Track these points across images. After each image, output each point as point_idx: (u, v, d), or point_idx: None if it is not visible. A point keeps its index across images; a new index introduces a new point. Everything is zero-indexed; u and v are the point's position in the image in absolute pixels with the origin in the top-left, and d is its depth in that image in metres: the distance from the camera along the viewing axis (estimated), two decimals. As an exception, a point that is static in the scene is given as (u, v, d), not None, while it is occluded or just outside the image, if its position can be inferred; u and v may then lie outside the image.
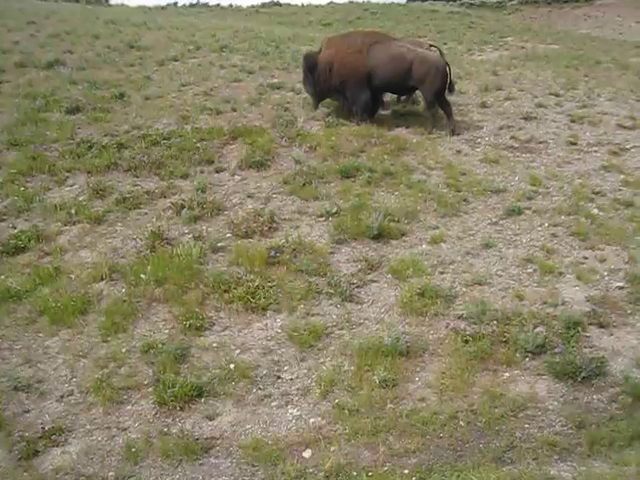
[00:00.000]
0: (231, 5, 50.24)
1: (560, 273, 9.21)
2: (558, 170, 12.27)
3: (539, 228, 10.33)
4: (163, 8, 45.11)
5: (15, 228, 10.18)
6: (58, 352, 7.86)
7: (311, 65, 14.17)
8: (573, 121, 14.79)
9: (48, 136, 13.21)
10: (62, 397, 7.26)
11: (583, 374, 7.28)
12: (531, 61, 23.26)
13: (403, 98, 15.72)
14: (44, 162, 12.04)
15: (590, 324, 8.16)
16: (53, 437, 6.73)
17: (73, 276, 9.08)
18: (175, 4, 49.65)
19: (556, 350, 7.64)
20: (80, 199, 10.92)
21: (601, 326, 8.16)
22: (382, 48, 13.76)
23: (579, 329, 7.96)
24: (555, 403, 7.09)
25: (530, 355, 7.64)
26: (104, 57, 19.09)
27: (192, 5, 49.75)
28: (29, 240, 9.78)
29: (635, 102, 16.54)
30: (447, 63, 13.69)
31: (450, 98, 13.94)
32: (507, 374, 7.45)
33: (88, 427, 6.90)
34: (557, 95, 16.75)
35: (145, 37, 22.49)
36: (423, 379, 7.39)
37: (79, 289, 8.77)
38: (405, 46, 13.95)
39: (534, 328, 7.87)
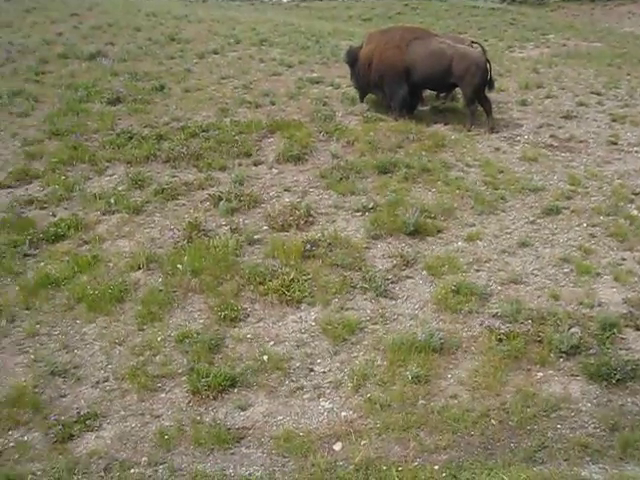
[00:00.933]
0: (271, -1, 50.32)
1: (597, 274, 9.12)
2: (598, 170, 12.12)
3: (577, 228, 10.23)
4: (204, 1, 45.27)
5: (55, 216, 10.35)
6: (95, 339, 7.99)
7: (352, 60, 14.21)
8: (614, 120, 14.60)
9: (89, 126, 13.41)
10: (98, 383, 7.38)
11: (618, 376, 7.20)
12: (573, 59, 23.02)
13: (442, 95, 15.63)
14: (85, 152, 12.21)
15: (626, 326, 8.07)
16: (88, 422, 6.85)
17: (111, 265, 9.21)
18: (216, -3, 49.80)
19: (591, 351, 7.58)
20: (119, 189, 11.05)
21: (637, 328, 8.06)
22: (422, 44, 13.67)
23: (615, 331, 7.88)
24: (588, 405, 7.02)
25: (564, 355, 7.58)
26: (145, 49, 19.26)
27: (233, -2, 49.87)
28: (68, 228, 9.94)
29: (679, 102, 16.26)
30: (488, 60, 13.59)
31: (490, 95, 13.82)
32: (540, 374, 7.40)
33: (122, 413, 7.01)
34: (598, 94, 16.55)
35: (186, 30, 22.62)
36: (456, 376, 7.37)
37: (116, 278, 8.90)
38: (445, 42, 13.84)
39: (569, 328, 7.80)
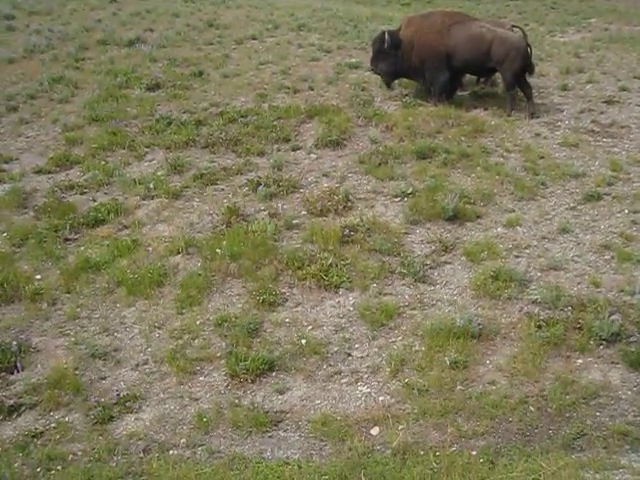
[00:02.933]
0: (310, -16, 50.15)
1: (638, 261, 8.97)
2: (640, 156, 11.93)
3: (618, 214, 10.07)
4: (242, -13, 45.31)
5: (95, 201, 10.49)
6: (134, 322, 8.09)
7: (395, 43, 13.93)
8: (658, 105, 14.34)
9: (128, 112, 13.55)
10: (137, 366, 7.47)
11: (659, 364, 7.13)
12: (615, 43, 22.55)
13: (482, 80, 15.48)
14: (124, 137, 12.35)
15: (668, 314, 7.96)
16: (127, 404, 6.95)
17: (150, 249, 9.31)
18: (254, -17, 49.81)
19: (631, 339, 7.48)
20: (158, 174, 11.15)
21: (678, 319, 7.95)
22: (462, 28, 13.56)
23: (656, 318, 7.79)
24: (628, 392, 6.94)
25: (604, 343, 7.49)
26: (184, 35, 19.37)
27: (271, -16, 49.82)
28: (108, 213, 10.06)
29: None
30: (528, 44, 13.43)
31: (530, 80, 13.66)
32: (580, 361, 7.32)
33: (161, 396, 7.09)
34: (642, 79, 16.25)
35: (224, 16, 22.67)
36: (494, 362, 7.33)
37: (156, 262, 8.98)
38: (485, 26, 13.71)
39: (609, 316, 7.68)
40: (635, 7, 35.13)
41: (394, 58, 14.00)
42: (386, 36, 13.89)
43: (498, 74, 14.15)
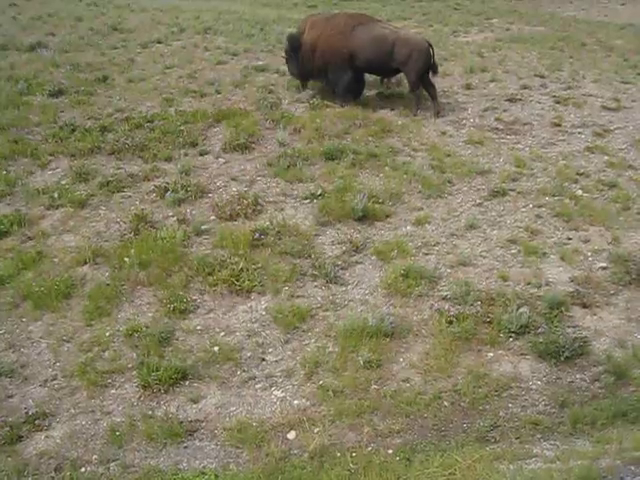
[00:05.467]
0: (215, -13, 49.90)
1: (544, 254, 9.23)
2: (542, 151, 12.26)
3: (523, 209, 10.34)
4: (147, -10, 44.74)
5: (-3, 212, 10.13)
6: (42, 337, 7.84)
7: (295, 46, 14.11)
8: (558, 102, 14.76)
9: (30, 120, 13.14)
10: (46, 382, 7.25)
11: (566, 354, 7.32)
12: (516, 43, 23.13)
13: (386, 80, 15.65)
14: (26, 146, 11.97)
15: (573, 304, 8.21)
16: (37, 422, 6.73)
17: (56, 260, 9.05)
18: (159, -14, 49.29)
19: (539, 330, 7.68)
20: (63, 183, 10.85)
21: (584, 306, 8.21)
22: (365, 29, 13.72)
23: (562, 309, 8.01)
24: (538, 383, 7.14)
25: (514, 335, 7.67)
26: (87, 40, 18.99)
27: (176, -13, 49.38)
28: (12, 224, 9.71)
29: (619, 84, 16.48)
30: (430, 44, 13.67)
31: (435, 80, 13.90)
32: (491, 354, 7.48)
33: (72, 411, 6.90)
34: (542, 77, 16.70)
35: (129, 19, 22.35)
36: (407, 360, 7.41)
37: (62, 273, 8.74)
38: (388, 27, 13.95)
39: (518, 308, 7.87)
40: (534, 8, 36.25)
41: (297, 60, 14.18)
42: (285, 40, 14.18)
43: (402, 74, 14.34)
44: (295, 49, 14.13)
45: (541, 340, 7.51)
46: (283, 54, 15.05)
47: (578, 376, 7.22)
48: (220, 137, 12.38)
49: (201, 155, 11.79)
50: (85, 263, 8.94)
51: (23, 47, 17.75)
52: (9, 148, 11.84)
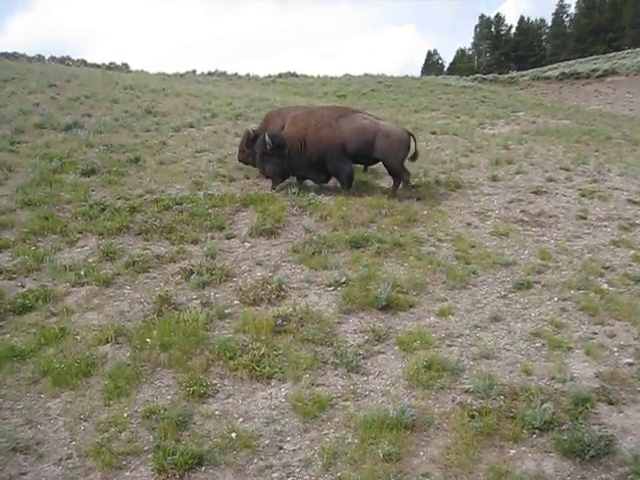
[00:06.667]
0: (248, 74, 51.28)
1: (569, 348, 9.11)
2: (568, 244, 12.27)
3: (548, 302, 10.27)
4: (182, 76, 46.12)
5: (24, 287, 10.21)
6: (59, 414, 7.77)
7: (280, 143, 14.04)
8: (583, 195, 14.86)
9: (62, 197, 13.39)
10: (60, 460, 7.14)
11: (591, 452, 7.11)
12: (542, 136, 23.47)
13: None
14: (56, 223, 12.16)
15: (599, 401, 8.01)
16: (49, 502, 6.63)
17: (79, 337, 9.05)
18: (194, 72, 50.78)
19: (564, 427, 7.49)
20: (90, 261, 10.97)
21: (610, 403, 8.01)
22: (348, 121, 14.19)
23: (587, 406, 7.82)
24: (562, 482, 6.93)
25: (537, 431, 7.48)
26: (121, 121, 19.47)
27: (210, 73, 50.83)
28: (37, 300, 9.78)
29: (645, 178, 16.60)
30: (410, 134, 14.36)
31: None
32: (514, 451, 7.29)
33: (85, 493, 6.79)
34: (567, 169, 16.87)
35: (163, 103, 22.92)
36: (428, 454, 7.24)
37: (84, 351, 8.72)
38: (368, 118, 14.33)
39: (542, 404, 7.71)
40: (560, 102, 36.75)
41: (279, 158, 14.10)
42: (267, 138, 13.97)
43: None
44: (280, 146, 14.02)
45: (565, 437, 7.30)
46: (247, 156, 15.31)
47: (604, 476, 6.98)
48: (247, 221, 12.52)
49: (227, 239, 11.91)
50: (107, 342, 8.93)
51: (59, 126, 18.23)
52: (39, 224, 12.04)
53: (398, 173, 14.28)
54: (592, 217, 13.66)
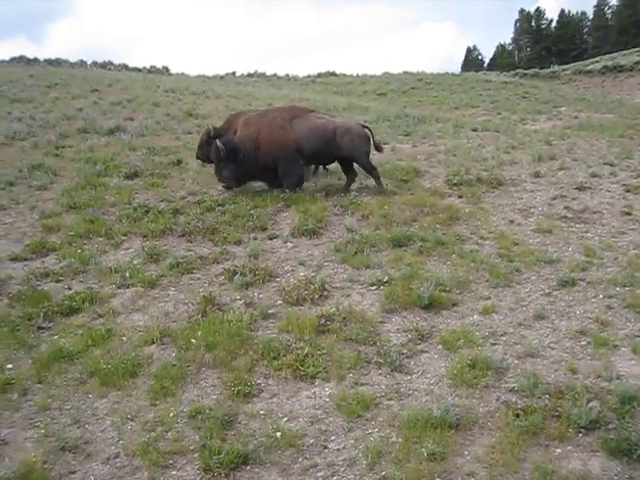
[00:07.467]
0: (288, 75, 51.53)
1: (615, 346, 8.98)
2: (613, 241, 12.10)
3: (593, 300, 10.14)
4: (222, 77, 46.50)
5: (70, 289, 10.40)
6: (106, 414, 7.89)
7: (233, 148, 13.87)
8: (628, 191, 14.65)
9: (106, 200, 13.62)
10: (108, 459, 7.25)
11: (639, 452, 7.04)
12: (585, 130, 23.20)
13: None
14: (101, 225, 12.37)
15: (646, 399, 7.92)
16: (98, 501, 6.74)
17: (125, 339, 9.19)
18: (233, 74, 51.14)
19: (610, 426, 7.40)
20: (135, 263, 11.13)
21: (657, 402, 7.91)
22: (302, 122, 14.09)
23: (634, 404, 7.69)
24: (609, 482, 6.85)
25: (583, 430, 7.39)
26: (163, 124, 19.72)
27: (250, 75, 51.14)
28: (83, 302, 9.96)
29: (692, 173, 16.30)
30: (366, 127, 14.51)
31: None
32: (559, 450, 7.22)
33: (133, 491, 6.89)
34: (611, 165, 16.64)
35: (203, 105, 23.12)
36: (472, 453, 7.20)
37: (130, 352, 8.86)
38: (324, 117, 14.27)
39: (588, 403, 7.62)
40: (602, 96, 36.26)
41: (235, 163, 13.93)
42: (219, 144, 13.81)
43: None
44: (235, 151, 13.86)
45: (612, 436, 7.21)
46: (206, 153, 14.95)
47: (651, 476, 6.92)
48: (289, 222, 12.59)
49: (270, 239, 12.00)
50: (152, 343, 9.05)
51: (102, 131, 18.53)
52: (85, 227, 12.26)
53: (369, 167, 14.21)
54: (637, 213, 13.44)
